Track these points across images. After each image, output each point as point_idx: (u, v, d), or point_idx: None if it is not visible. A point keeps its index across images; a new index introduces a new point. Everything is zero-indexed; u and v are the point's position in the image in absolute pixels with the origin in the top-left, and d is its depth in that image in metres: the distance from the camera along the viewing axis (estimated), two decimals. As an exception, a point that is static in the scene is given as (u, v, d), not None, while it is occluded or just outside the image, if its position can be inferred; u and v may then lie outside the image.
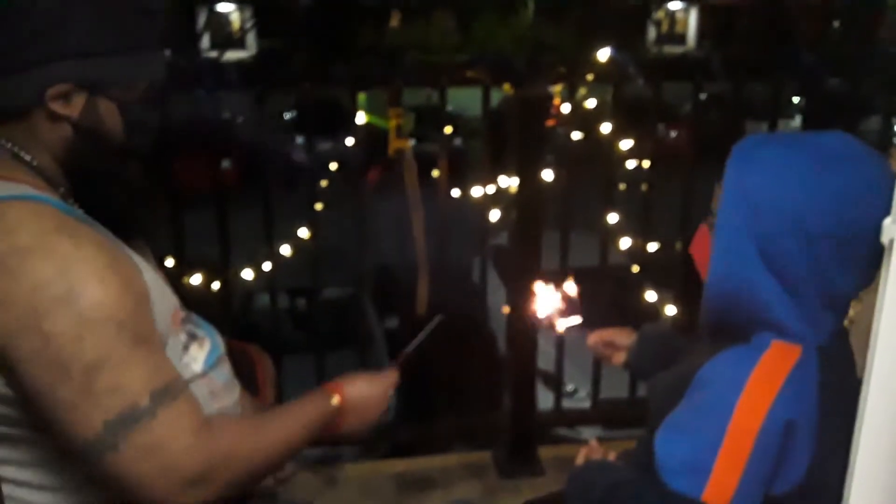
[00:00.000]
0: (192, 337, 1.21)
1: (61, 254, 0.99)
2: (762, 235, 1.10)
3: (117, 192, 1.17)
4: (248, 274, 2.60)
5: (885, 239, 0.70)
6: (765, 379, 1.09)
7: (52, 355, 0.97)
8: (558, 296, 1.66)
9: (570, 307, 1.67)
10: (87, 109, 1.09)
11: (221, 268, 2.48)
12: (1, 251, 0.98)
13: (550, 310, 1.67)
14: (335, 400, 1.28)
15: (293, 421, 1.23)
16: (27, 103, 1.07)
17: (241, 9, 28.44)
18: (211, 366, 1.22)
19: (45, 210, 1.04)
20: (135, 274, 1.07)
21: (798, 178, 1.08)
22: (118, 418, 0.98)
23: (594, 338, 1.72)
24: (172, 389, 1.04)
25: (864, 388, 0.72)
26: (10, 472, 1.10)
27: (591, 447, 1.47)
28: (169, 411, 1.02)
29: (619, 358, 1.69)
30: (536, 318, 1.71)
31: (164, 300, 1.14)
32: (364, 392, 1.33)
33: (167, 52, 1.20)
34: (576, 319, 1.68)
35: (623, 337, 1.69)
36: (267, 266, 2.53)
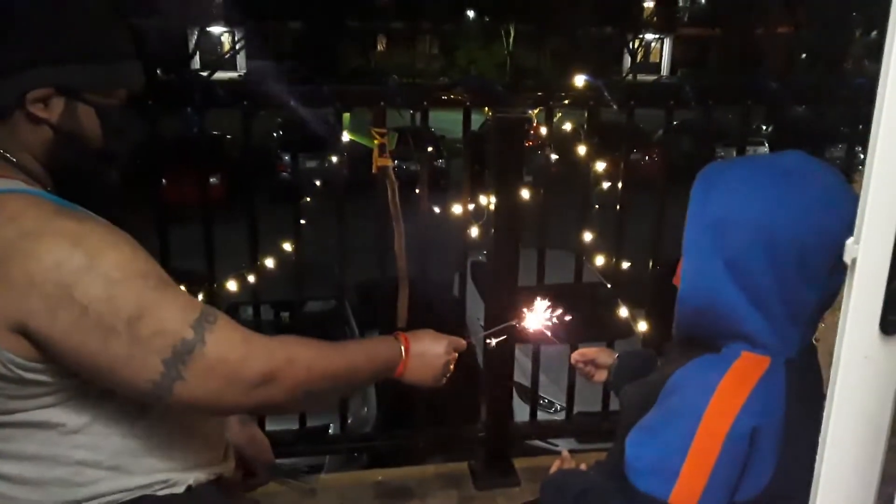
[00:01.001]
0: None
1: (69, 231, 1.02)
2: (728, 251, 1.11)
3: (97, 196, 1.19)
4: (232, 286, 2.59)
5: (847, 258, 0.70)
6: (734, 386, 1.10)
7: (92, 320, 1.00)
8: (541, 315, 1.66)
9: (550, 326, 1.68)
10: (66, 113, 1.12)
11: (206, 280, 2.46)
12: (10, 237, 1.00)
13: (533, 327, 1.67)
14: (402, 349, 1.34)
15: (359, 349, 1.31)
16: (7, 106, 1.09)
17: (231, 31, 28.49)
18: None
19: (40, 199, 1.07)
20: (133, 239, 1.10)
21: (759, 194, 1.11)
22: (173, 354, 1.03)
23: (577, 356, 1.74)
24: (208, 315, 1.07)
25: (828, 402, 0.72)
26: None
27: (564, 458, 1.47)
28: (214, 333, 1.06)
29: (601, 376, 1.71)
30: (517, 334, 1.71)
31: None
32: (429, 348, 1.39)
33: (158, 70, 1.21)
34: (555, 337, 1.69)
35: (604, 356, 1.71)
36: (251, 279, 2.52)
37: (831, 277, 1.10)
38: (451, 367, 1.44)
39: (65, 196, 1.13)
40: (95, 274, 1.00)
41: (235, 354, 1.07)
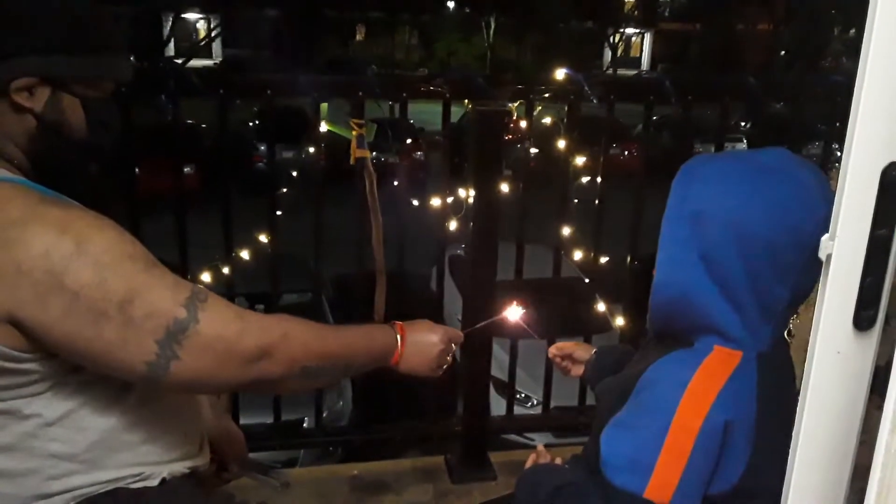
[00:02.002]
0: None
1: (55, 218, 1.03)
2: (703, 243, 1.13)
3: (76, 186, 1.18)
4: (206, 279, 2.57)
5: (822, 254, 0.72)
6: (706, 380, 1.12)
7: (84, 306, 1.00)
8: (518, 310, 1.67)
9: (532, 320, 1.69)
10: (51, 103, 1.12)
11: (180, 272, 2.44)
12: None
13: (514, 319, 1.68)
14: (398, 337, 1.35)
15: (356, 332, 1.32)
16: None
17: (207, 18, 28.21)
18: None
19: (25, 188, 1.07)
20: (117, 224, 1.11)
21: (735, 188, 1.12)
22: (167, 334, 1.04)
23: (554, 350, 1.75)
24: (199, 293, 1.08)
25: (801, 396, 0.73)
26: None
27: (540, 452, 1.48)
28: (206, 311, 1.07)
29: (578, 371, 1.72)
30: (495, 323, 1.72)
31: None
32: (424, 337, 1.39)
33: (132, 57, 1.21)
34: (531, 331, 1.70)
35: (582, 351, 1.72)
36: (226, 271, 2.50)
37: (804, 274, 1.11)
38: (448, 358, 1.44)
39: (44, 185, 1.12)
40: (85, 259, 1.00)
41: (230, 330, 1.08)
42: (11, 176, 1.09)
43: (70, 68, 1.12)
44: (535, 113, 2.56)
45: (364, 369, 1.34)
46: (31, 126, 1.12)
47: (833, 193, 1.10)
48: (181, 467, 1.26)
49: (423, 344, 1.39)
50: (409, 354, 1.37)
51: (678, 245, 1.16)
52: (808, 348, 0.72)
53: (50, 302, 0.99)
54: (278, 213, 2.49)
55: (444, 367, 1.44)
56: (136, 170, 2.35)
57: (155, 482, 1.21)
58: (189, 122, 12.06)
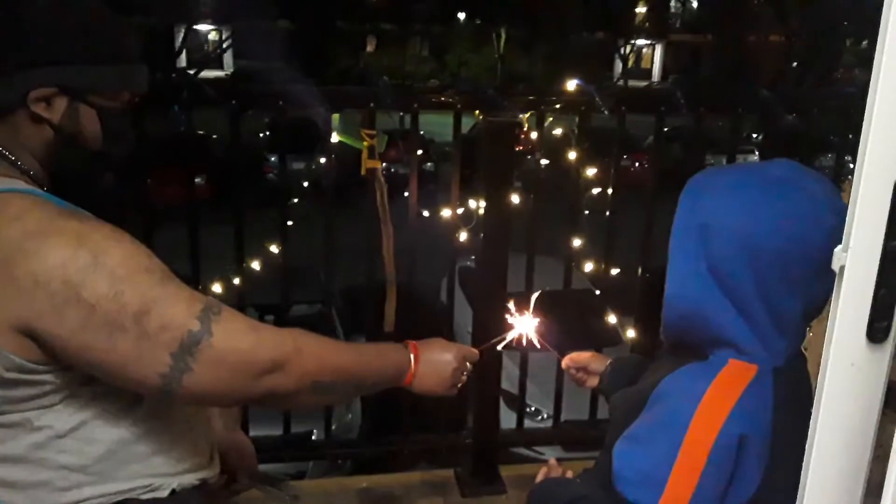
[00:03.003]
0: None
1: (73, 230, 1.04)
2: (712, 257, 1.13)
3: (93, 196, 1.20)
4: (217, 289, 2.58)
5: (835, 266, 0.72)
6: (720, 394, 1.11)
7: (100, 318, 1.01)
8: (532, 321, 1.67)
9: (545, 333, 1.69)
10: (68, 114, 1.13)
11: (192, 283, 2.45)
12: (15, 237, 1.01)
13: (527, 333, 1.67)
14: (411, 356, 1.35)
15: (369, 349, 1.34)
16: (10, 104, 1.10)
17: (219, 29, 28.42)
18: None
19: (42, 200, 1.08)
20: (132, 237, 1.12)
21: (743, 200, 1.12)
22: (181, 347, 1.04)
23: (568, 361, 1.73)
24: (213, 306, 1.09)
25: (814, 409, 0.73)
26: None
27: (551, 465, 1.47)
28: (220, 324, 1.07)
29: (592, 382, 1.71)
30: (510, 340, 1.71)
31: None
32: (438, 355, 1.39)
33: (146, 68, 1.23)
34: (547, 346, 1.69)
35: (596, 362, 1.70)
36: (236, 282, 2.51)
37: (816, 286, 1.11)
38: (463, 376, 1.44)
39: (59, 196, 1.14)
40: (101, 272, 1.01)
41: (244, 343, 1.09)
42: (29, 188, 1.10)
43: (87, 79, 1.13)
44: (545, 124, 2.57)
45: (376, 388, 1.33)
46: (49, 136, 1.13)
47: (844, 204, 1.10)
48: (191, 479, 1.26)
49: (436, 363, 1.38)
50: (423, 374, 1.36)
51: (687, 259, 1.16)
52: (821, 361, 0.72)
53: (66, 314, 1.00)
54: (289, 223, 2.50)
55: (459, 385, 1.43)
56: (149, 180, 2.36)
57: (165, 493, 1.21)
58: (200, 132, 12.14)
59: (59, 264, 1.00)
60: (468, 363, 1.45)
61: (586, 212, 2.83)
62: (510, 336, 1.67)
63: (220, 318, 1.08)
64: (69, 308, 1.00)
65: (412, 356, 1.35)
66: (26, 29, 1.08)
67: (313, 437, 4.08)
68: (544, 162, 2.67)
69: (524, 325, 1.66)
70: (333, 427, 2.94)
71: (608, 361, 1.69)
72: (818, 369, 0.74)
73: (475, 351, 1.48)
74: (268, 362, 1.10)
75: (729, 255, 1.11)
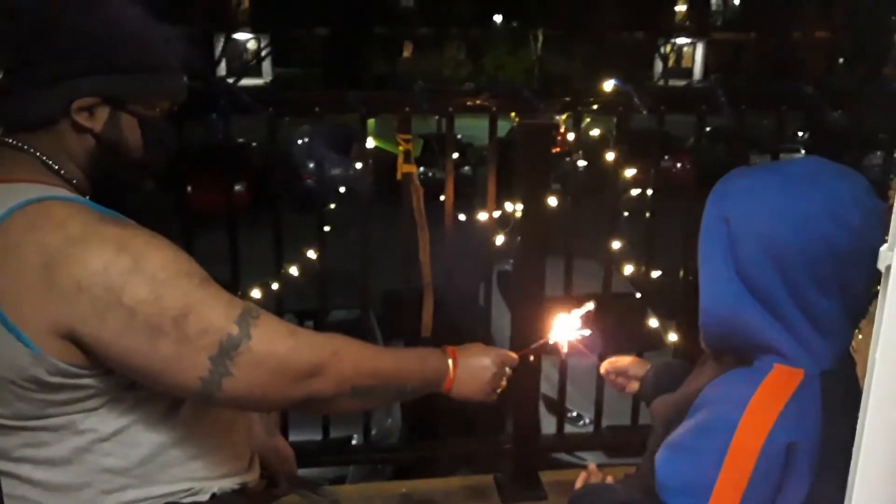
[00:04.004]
0: None
1: (113, 236, 1.06)
2: (740, 262, 1.11)
3: (134, 204, 1.24)
4: (256, 295, 2.61)
5: (881, 265, 0.70)
6: (766, 400, 1.09)
7: (141, 322, 1.03)
8: (576, 325, 1.66)
9: (585, 337, 1.67)
10: (110, 123, 1.16)
11: (231, 289, 2.48)
12: (57, 243, 1.03)
13: (567, 338, 1.66)
14: (450, 362, 1.35)
15: (407, 353, 1.36)
16: (54, 114, 1.13)
17: (257, 38, 28.83)
18: None
19: (84, 207, 1.11)
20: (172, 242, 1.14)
21: (767, 201, 1.10)
22: (220, 350, 1.06)
23: (607, 366, 1.72)
24: (252, 311, 1.11)
25: (861, 411, 0.71)
26: (25, 470, 1.12)
27: (591, 471, 1.46)
28: (259, 328, 1.09)
29: (633, 387, 1.69)
30: (549, 344, 1.70)
31: None
32: (476, 360, 1.39)
33: (185, 76, 1.25)
34: (590, 349, 1.68)
35: (637, 367, 1.68)
36: (275, 288, 2.54)
37: (851, 285, 1.08)
38: (503, 381, 1.44)
39: (101, 204, 1.16)
40: (142, 276, 1.04)
41: (282, 347, 1.10)
42: (71, 195, 1.13)
43: (129, 88, 1.16)
44: (583, 125, 2.55)
45: (415, 394, 1.33)
46: (91, 145, 1.16)
47: (874, 201, 1.08)
48: (231, 483, 1.28)
49: (475, 368, 1.38)
50: (462, 380, 1.36)
51: (717, 265, 1.14)
52: (868, 363, 0.70)
53: (108, 318, 1.02)
54: (326, 229, 2.52)
55: (499, 391, 1.43)
56: (190, 187, 2.40)
57: (205, 497, 1.23)
58: (240, 140, 12.33)
59: (100, 269, 1.02)
60: (507, 368, 1.44)
61: (626, 213, 2.80)
62: (549, 340, 1.66)
63: (259, 322, 1.09)
64: (110, 312, 1.02)
65: (451, 361, 1.35)
66: (69, 40, 1.10)
67: (353, 442, 4.10)
68: (582, 164, 2.65)
69: (563, 329, 1.65)
70: (373, 432, 2.96)
71: (649, 366, 1.67)
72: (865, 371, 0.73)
73: (514, 356, 1.47)
74: (306, 366, 1.12)
75: (755, 259, 1.09)
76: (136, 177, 1.25)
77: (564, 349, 1.67)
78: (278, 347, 1.10)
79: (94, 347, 1.04)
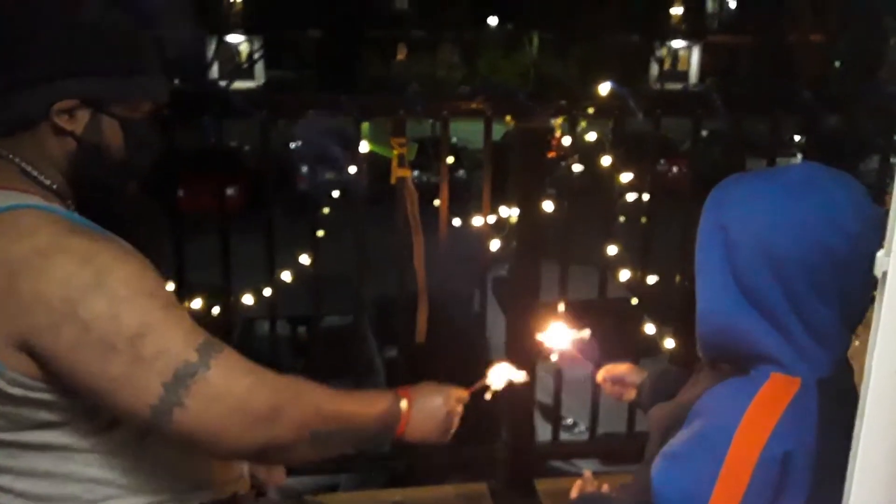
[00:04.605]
0: None
1: (80, 248, 1.04)
2: (737, 269, 1.11)
3: (118, 208, 1.23)
4: (249, 300, 2.60)
5: (878, 271, 0.70)
6: (763, 410, 1.09)
7: (94, 338, 1.00)
8: (571, 334, 1.66)
9: (582, 345, 1.67)
10: (91, 125, 1.15)
11: (223, 294, 2.48)
12: (23, 254, 1.02)
13: (563, 346, 1.66)
14: (403, 403, 1.31)
15: (364, 397, 1.28)
16: (34, 117, 1.12)
17: (250, 40, 28.80)
18: None
19: (56, 217, 1.09)
20: (146, 259, 1.12)
21: (764, 208, 1.10)
22: (175, 377, 1.01)
23: (603, 374, 1.71)
24: (214, 343, 1.07)
25: (858, 418, 0.72)
26: (6, 481, 1.11)
27: (586, 479, 1.46)
28: (219, 360, 1.05)
29: (629, 395, 1.69)
30: (545, 351, 1.70)
31: None
32: (430, 402, 1.36)
33: (173, 78, 1.24)
34: (586, 356, 1.68)
35: (633, 374, 1.68)
36: (268, 293, 2.53)
37: (850, 292, 1.08)
38: (456, 420, 1.41)
39: (85, 209, 1.16)
40: (102, 291, 1.01)
41: (242, 384, 1.06)
42: (46, 204, 1.11)
43: (109, 90, 1.14)
44: (579, 129, 2.55)
45: (371, 441, 1.29)
46: (72, 148, 1.15)
47: (871, 208, 1.08)
48: (219, 492, 1.27)
49: (429, 409, 1.35)
50: (416, 422, 1.32)
51: (714, 273, 1.14)
52: (864, 369, 0.70)
53: (62, 331, 1.00)
54: (321, 234, 2.52)
55: (452, 430, 1.40)
56: (182, 191, 2.40)
57: None
58: (232, 144, 12.31)
59: (61, 281, 1.01)
60: (460, 406, 1.42)
61: (622, 218, 2.80)
62: (496, 384, 1.57)
63: (221, 355, 1.06)
64: (65, 325, 1.00)
65: (405, 403, 1.31)
66: (48, 41, 1.10)
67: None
68: (578, 168, 2.65)
69: (554, 339, 1.65)
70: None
71: (645, 374, 1.67)
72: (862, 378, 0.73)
73: (464, 393, 1.44)
74: (265, 408, 1.07)
75: (754, 267, 1.09)
76: (119, 180, 1.23)
77: (556, 357, 1.67)
78: (238, 384, 1.06)
79: (47, 361, 1.02)
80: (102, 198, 1.21)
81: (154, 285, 1.07)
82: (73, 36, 1.11)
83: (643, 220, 2.64)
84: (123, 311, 1.02)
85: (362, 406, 1.26)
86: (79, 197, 1.19)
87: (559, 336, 1.66)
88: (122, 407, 1.04)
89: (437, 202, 2.49)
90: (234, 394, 1.05)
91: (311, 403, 1.15)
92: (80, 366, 1.01)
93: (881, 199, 1.18)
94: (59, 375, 1.03)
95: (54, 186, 1.16)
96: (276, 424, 1.08)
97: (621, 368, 1.70)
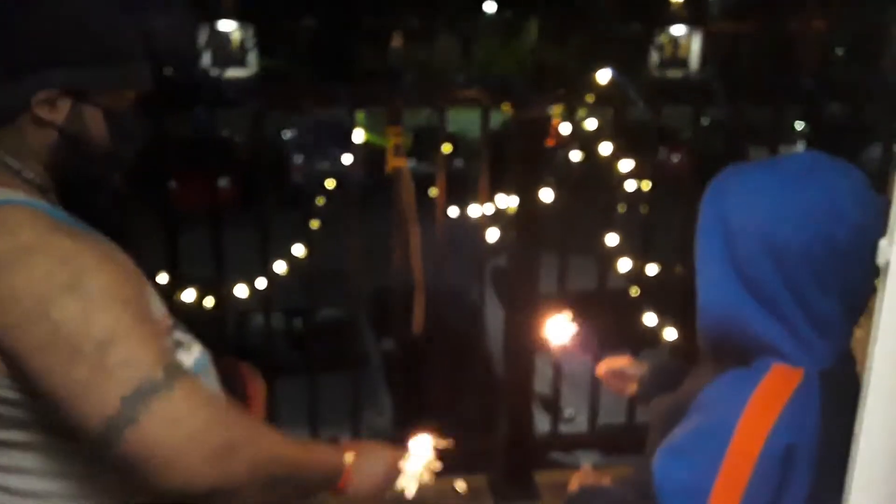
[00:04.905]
0: (179, 344, 1.22)
1: (61, 248, 1.02)
2: (739, 259, 1.11)
3: (103, 200, 1.21)
4: (244, 293, 2.60)
5: (880, 261, 0.70)
6: (765, 402, 1.09)
7: (62, 339, 0.98)
8: (570, 328, 1.66)
9: (579, 339, 1.68)
10: (72, 116, 1.13)
11: (217, 286, 2.47)
12: (4, 251, 1.01)
13: (561, 340, 1.67)
14: (348, 458, 1.29)
15: (310, 450, 1.25)
16: (13, 108, 1.10)
17: (242, 27, 28.69)
18: (198, 372, 1.22)
19: (39, 213, 1.07)
20: (130, 264, 1.10)
21: (765, 197, 1.10)
22: (135, 391, 0.98)
23: (603, 368, 1.71)
24: (182, 367, 1.05)
25: (859, 410, 0.72)
26: None
27: (585, 472, 1.46)
28: (184, 385, 1.02)
29: (631, 389, 1.68)
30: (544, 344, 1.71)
31: (155, 303, 1.16)
32: (373, 460, 1.35)
33: (160, 65, 1.22)
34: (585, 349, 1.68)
35: (633, 367, 1.68)
36: (262, 285, 2.53)
37: (851, 282, 1.08)
38: (395, 482, 1.42)
39: (68, 202, 1.14)
40: (76, 294, 1.00)
41: (203, 412, 1.02)
42: (27, 199, 1.09)
43: (93, 78, 1.12)
44: (578, 117, 2.55)
45: (313, 490, 1.27)
46: (53, 140, 1.13)
47: (873, 197, 1.08)
48: None
49: (372, 466, 1.34)
50: (358, 477, 1.31)
51: (715, 264, 1.14)
52: (866, 361, 0.70)
53: (32, 330, 0.98)
54: (315, 225, 2.52)
55: (390, 489, 1.41)
56: (174, 183, 2.39)
57: None
58: (224, 135, 12.28)
59: (37, 280, 0.99)
60: (400, 467, 1.42)
61: (622, 208, 2.80)
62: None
63: (187, 379, 1.03)
64: (36, 324, 0.98)
65: (350, 457, 1.30)
66: (27, 30, 1.08)
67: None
68: (577, 157, 2.65)
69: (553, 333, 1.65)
70: (363, 432, 2.95)
71: (646, 367, 1.67)
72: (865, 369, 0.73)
73: (406, 454, 1.44)
74: (221, 443, 1.03)
75: (755, 257, 1.09)
76: (103, 172, 1.22)
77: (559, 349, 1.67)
78: (199, 412, 1.01)
79: (14, 359, 1.00)
80: (86, 191, 1.19)
81: (131, 294, 1.05)
82: (52, 24, 1.09)
83: (643, 209, 2.64)
84: (95, 316, 1.00)
85: (311, 455, 1.24)
86: (61, 190, 1.17)
87: (559, 330, 1.66)
88: (77, 416, 0.99)
89: (434, 192, 2.49)
90: (193, 422, 1.01)
91: (266, 446, 1.12)
92: (44, 367, 0.99)
93: (883, 188, 1.18)
94: (24, 375, 1.01)
95: (36, 180, 1.14)
96: (230, 462, 1.04)
97: (621, 362, 1.70)
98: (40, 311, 0.98)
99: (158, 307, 1.17)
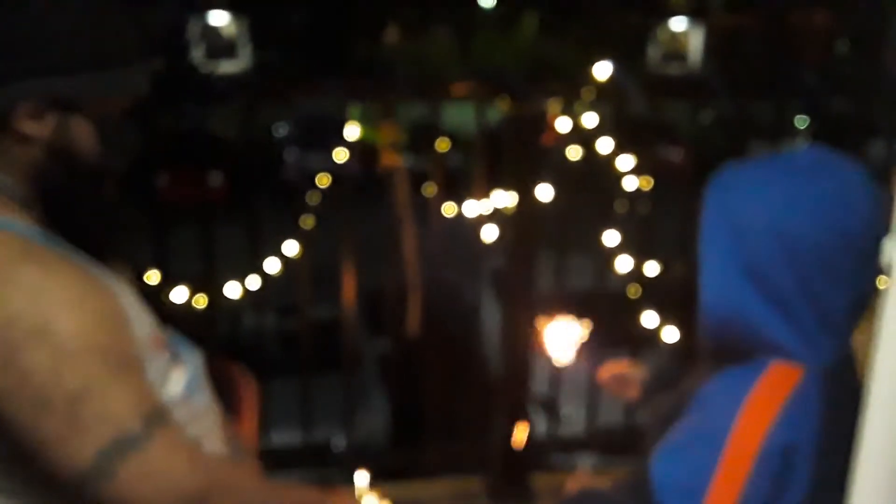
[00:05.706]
0: (175, 357, 1.19)
1: (30, 284, 0.97)
2: (748, 257, 1.11)
3: (92, 215, 1.12)
4: (236, 292, 2.59)
5: (886, 258, 0.70)
6: (763, 401, 1.09)
7: (31, 391, 0.94)
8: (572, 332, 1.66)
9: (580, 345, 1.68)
10: (59, 129, 1.04)
11: (208, 286, 2.47)
12: None
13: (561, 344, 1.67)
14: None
15: (280, 492, 1.24)
16: None
17: (235, 22, 28.62)
18: (191, 388, 1.20)
19: (9, 238, 1.01)
20: (111, 298, 1.04)
21: (773, 192, 1.10)
22: (111, 446, 0.95)
23: (605, 373, 1.70)
24: (163, 413, 1.02)
25: (862, 412, 0.72)
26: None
27: (581, 475, 1.46)
28: (163, 434, 0.99)
29: (633, 393, 1.68)
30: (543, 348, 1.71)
31: (142, 324, 1.12)
32: None
33: (154, 65, 1.16)
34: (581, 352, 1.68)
35: (635, 371, 1.67)
36: (255, 284, 2.52)
37: (858, 278, 1.08)
38: None
39: (53, 219, 1.07)
40: (46, 341, 0.95)
41: (179, 463, 1.01)
42: (2, 220, 1.02)
43: (80, 88, 1.03)
44: (577, 112, 2.55)
45: None
46: (38, 155, 1.04)
47: (877, 191, 1.09)
48: None
49: None
50: None
51: (721, 262, 1.14)
52: (871, 358, 0.71)
53: None
54: (308, 222, 2.51)
55: None
56: (165, 179, 2.39)
57: None
58: (215, 128, 12.26)
59: (4, 322, 0.94)
60: None
61: (621, 207, 2.80)
62: None
63: (167, 430, 1.00)
64: (3, 371, 0.94)
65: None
66: (10, 40, 1.00)
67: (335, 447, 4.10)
68: (575, 154, 2.65)
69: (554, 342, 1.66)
70: (357, 433, 2.96)
71: (647, 370, 1.66)
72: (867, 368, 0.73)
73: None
74: (194, 491, 1.01)
75: (767, 253, 1.09)
76: (91, 186, 1.10)
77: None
78: (176, 463, 1.00)
79: None
80: (73, 206, 1.10)
81: (107, 339, 0.99)
82: (38, 33, 1.00)
83: (643, 207, 2.64)
84: (66, 368, 0.95)
85: (281, 497, 1.23)
86: (47, 207, 1.08)
87: (558, 335, 1.66)
88: (50, 462, 0.97)
89: (429, 189, 2.48)
90: (169, 473, 0.99)
91: (238, 491, 1.11)
92: (13, 415, 0.95)
93: (887, 182, 1.18)
94: None
95: (17, 198, 1.05)
96: None
97: (621, 366, 1.70)
98: (7, 357, 0.94)
99: (146, 326, 1.13)
